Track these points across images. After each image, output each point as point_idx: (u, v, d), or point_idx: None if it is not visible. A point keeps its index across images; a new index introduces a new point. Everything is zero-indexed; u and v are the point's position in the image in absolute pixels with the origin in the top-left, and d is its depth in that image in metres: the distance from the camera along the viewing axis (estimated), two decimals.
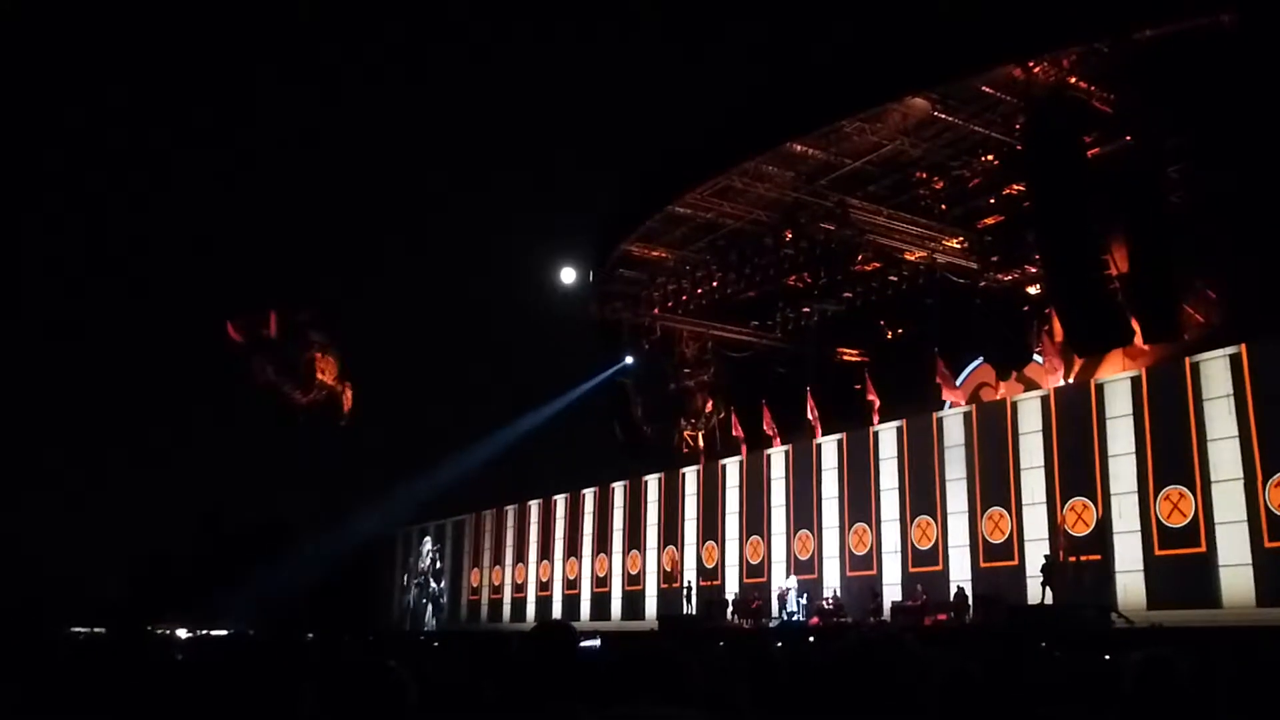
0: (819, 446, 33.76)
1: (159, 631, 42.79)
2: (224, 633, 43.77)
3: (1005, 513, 27.69)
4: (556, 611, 41.47)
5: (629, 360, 41.86)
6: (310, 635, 39.20)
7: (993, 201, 32.24)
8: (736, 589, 34.63)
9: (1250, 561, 22.85)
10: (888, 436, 31.75)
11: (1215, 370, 24.42)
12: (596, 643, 23.61)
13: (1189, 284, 26.41)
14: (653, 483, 39.54)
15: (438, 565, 49.88)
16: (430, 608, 49.10)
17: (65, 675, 6.81)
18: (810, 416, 34.98)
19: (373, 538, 53.35)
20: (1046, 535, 26.63)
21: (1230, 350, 24.23)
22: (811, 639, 22.57)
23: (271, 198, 55.05)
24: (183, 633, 42.37)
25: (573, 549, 41.97)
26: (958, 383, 33.19)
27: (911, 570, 29.63)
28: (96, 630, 41.01)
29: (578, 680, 4.38)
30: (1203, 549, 23.65)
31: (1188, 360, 25.04)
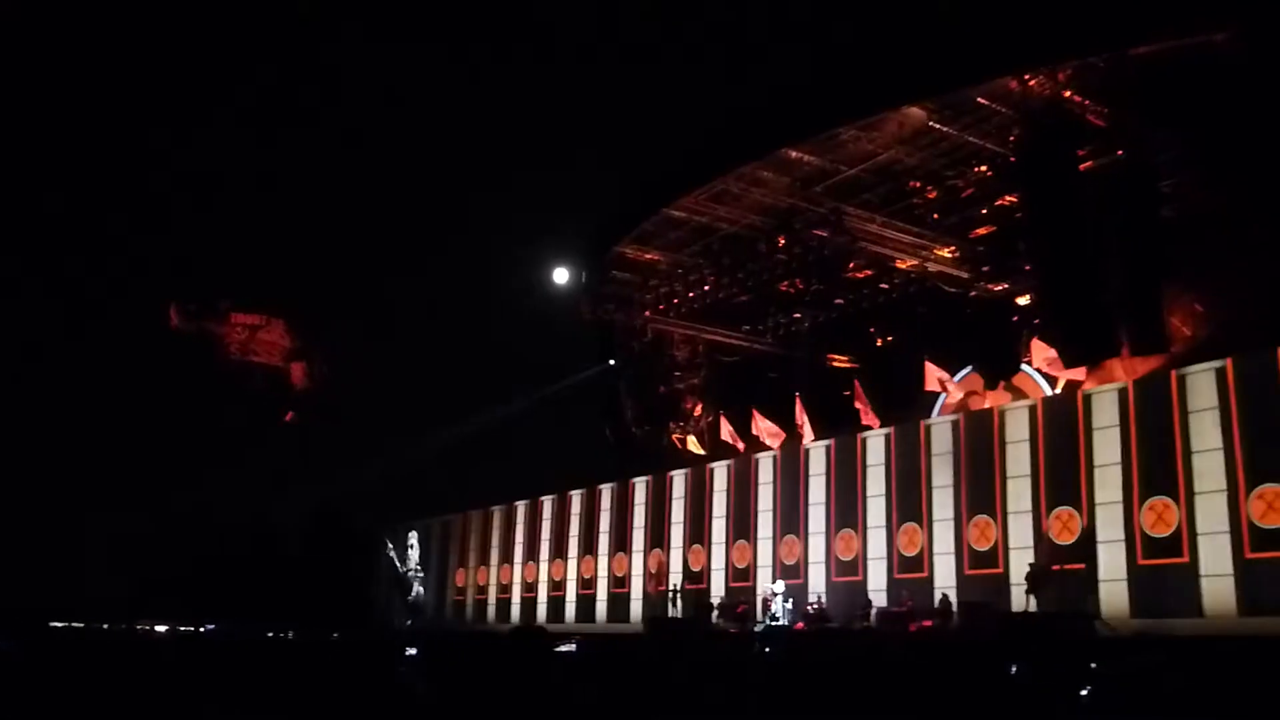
0: (807, 452, 33.86)
1: (140, 628, 42.61)
2: (207, 628, 43.68)
3: (991, 520, 27.85)
4: (541, 613, 41.43)
5: (616, 362, 42.01)
6: (291, 634, 39.14)
7: (985, 212, 32.48)
8: (723, 593, 34.71)
9: (1232, 572, 23.05)
10: (875, 443, 31.85)
11: (1201, 383, 24.61)
12: (573, 646, 23.70)
13: (1178, 297, 26.65)
14: (641, 485, 39.56)
15: (420, 565, 49.72)
16: (413, 608, 48.95)
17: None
18: (799, 421, 35.10)
19: (355, 536, 53.16)
20: (1031, 543, 26.80)
21: (1217, 364, 24.41)
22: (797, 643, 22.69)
23: (301, 203, 54.43)
24: (161, 628, 42.22)
25: (559, 551, 41.92)
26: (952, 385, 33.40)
27: (897, 576, 29.76)
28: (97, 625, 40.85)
29: (556, 679, 4.48)
30: (1186, 559, 23.85)
31: (1174, 373, 25.24)
